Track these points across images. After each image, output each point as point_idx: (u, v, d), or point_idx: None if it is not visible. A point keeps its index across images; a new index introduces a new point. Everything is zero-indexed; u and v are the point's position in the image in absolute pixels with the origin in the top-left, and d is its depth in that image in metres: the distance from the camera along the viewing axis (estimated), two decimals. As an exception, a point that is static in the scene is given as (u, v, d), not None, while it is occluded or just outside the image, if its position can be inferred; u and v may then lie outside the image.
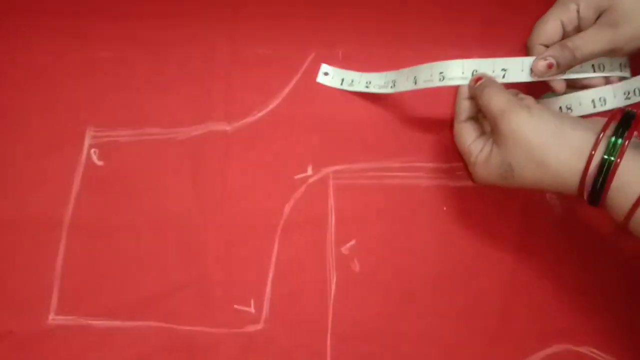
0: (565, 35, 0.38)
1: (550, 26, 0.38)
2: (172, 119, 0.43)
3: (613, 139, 0.31)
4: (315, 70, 0.44)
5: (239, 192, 0.41)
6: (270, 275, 0.40)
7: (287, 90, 0.44)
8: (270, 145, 0.43)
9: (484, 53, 0.45)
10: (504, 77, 0.38)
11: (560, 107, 0.41)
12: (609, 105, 0.40)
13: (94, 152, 0.42)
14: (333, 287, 0.40)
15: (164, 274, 0.40)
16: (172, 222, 0.41)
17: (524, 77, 0.38)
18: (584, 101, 0.40)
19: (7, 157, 0.42)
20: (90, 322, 0.39)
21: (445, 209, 0.41)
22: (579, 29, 0.38)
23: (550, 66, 0.37)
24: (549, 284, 0.40)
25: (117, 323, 0.39)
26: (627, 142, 0.30)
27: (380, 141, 0.43)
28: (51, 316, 0.38)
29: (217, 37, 0.45)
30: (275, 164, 0.42)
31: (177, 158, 0.42)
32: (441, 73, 0.38)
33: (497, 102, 0.34)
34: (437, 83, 0.39)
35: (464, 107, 0.37)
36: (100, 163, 0.42)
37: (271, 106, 0.44)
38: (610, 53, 0.37)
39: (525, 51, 0.41)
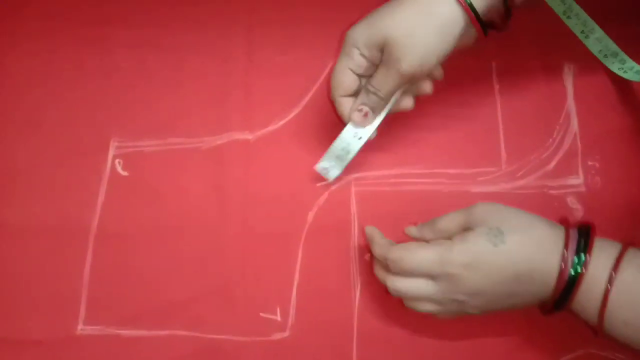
0: (360, 79, 0.38)
1: (343, 77, 0.38)
2: (195, 128, 0.43)
3: (576, 258, 0.32)
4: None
5: (262, 199, 0.42)
6: (296, 282, 0.40)
7: (308, 97, 0.44)
8: (292, 153, 0.43)
9: (502, 59, 0.46)
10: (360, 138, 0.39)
11: None
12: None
13: (119, 162, 0.42)
14: (358, 293, 0.40)
15: (189, 282, 0.40)
16: (196, 230, 0.41)
17: (356, 142, 0.39)
18: None
19: (33, 167, 0.42)
20: (117, 331, 0.39)
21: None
22: (373, 68, 0.37)
23: (366, 114, 0.38)
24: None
25: (143, 332, 0.39)
26: (589, 258, 0.32)
27: (401, 147, 0.43)
28: (80, 326, 0.39)
29: (235, 44, 0.45)
30: (297, 172, 0.42)
31: (200, 167, 0.42)
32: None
33: (456, 215, 0.35)
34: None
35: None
36: (125, 173, 0.42)
37: (292, 114, 0.44)
38: (410, 81, 0.37)
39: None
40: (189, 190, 0.42)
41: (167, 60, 0.45)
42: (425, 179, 0.42)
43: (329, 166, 0.40)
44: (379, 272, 0.36)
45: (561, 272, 0.31)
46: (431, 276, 0.33)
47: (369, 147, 0.43)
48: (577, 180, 0.43)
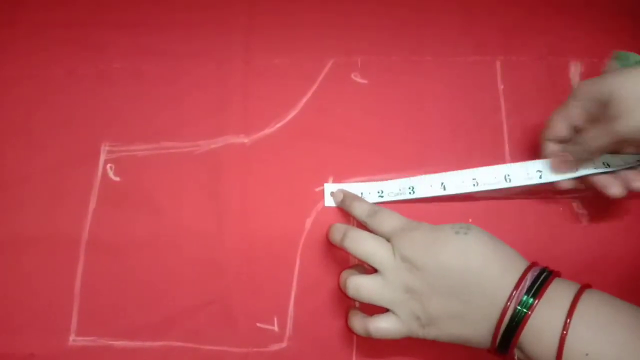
0: (576, 130, 0.38)
1: (555, 122, 0.38)
2: (189, 132, 0.42)
3: (525, 297, 0.31)
4: (333, 79, 0.43)
5: (259, 206, 0.40)
6: (293, 292, 0.39)
7: (305, 100, 0.43)
8: (290, 157, 0.42)
9: (506, 59, 0.44)
10: (540, 177, 0.39)
11: None
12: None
13: (110, 167, 0.41)
14: (357, 302, 0.39)
15: (184, 292, 0.39)
16: (191, 238, 0.40)
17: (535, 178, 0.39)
18: None
19: (22, 174, 0.41)
20: (111, 342, 0.38)
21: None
22: (592, 123, 0.37)
23: (565, 162, 0.38)
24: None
25: (138, 343, 0.38)
26: (537, 302, 0.31)
27: (402, 152, 0.42)
28: (72, 337, 0.38)
29: (232, 47, 0.44)
30: (295, 176, 0.41)
31: (195, 172, 0.41)
32: (474, 179, 0.39)
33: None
34: (471, 188, 0.39)
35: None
36: (117, 179, 0.41)
37: (289, 117, 0.43)
38: (618, 146, 0.36)
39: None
40: (183, 196, 0.40)
41: (163, 64, 0.44)
42: (426, 184, 0.41)
43: None
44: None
45: (505, 308, 0.31)
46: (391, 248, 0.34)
47: (365, 150, 0.42)
48: (582, 184, 0.41)
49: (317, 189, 0.41)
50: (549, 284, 0.31)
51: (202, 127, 0.42)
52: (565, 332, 0.30)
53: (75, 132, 0.42)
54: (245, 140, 0.42)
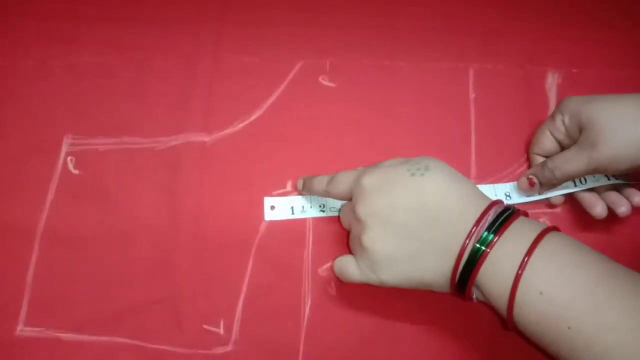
0: (561, 145, 0.38)
1: (542, 135, 0.38)
2: (152, 128, 0.42)
3: (485, 234, 0.30)
4: (301, 81, 0.43)
5: (215, 206, 0.40)
6: (242, 295, 0.38)
7: (270, 101, 0.42)
8: (250, 158, 0.41)
9: (481, 67, 0.43)
10: (509, 198, 0.39)
11: None
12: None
13: (71, 160, 0.41)
14: (307, 310, 0.38)
15: (134, 289, 0.38)
16: (145, 235, 0.39)
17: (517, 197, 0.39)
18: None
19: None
20: (58, 334, 0.38)
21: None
22: (570, 140, 0.37)
23: (531, 184, 0.37)
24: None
25: (85, 337, 0.38)
26: (497, 239, 0.30)
27: (366, 156, 0.41)
28: (20, 327, 0.38)
29: (202, 44, 0.44)
30: (253, 178, 0.41)
31: (154, 169, 0.41)
32: None
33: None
34: None
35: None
36: (76, 172, 0.41)
37: (253, 117, 0.42)
38: (593, 172, 0.35)
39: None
40: (140, 193, 0.40)
41: (131, 59, 0.44)
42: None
43: None
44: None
45: (464, 245, 0.30)
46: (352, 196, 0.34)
47: (328, 154, 0.41)
48: (552, 200, 0.39)
49: (275, 192, 0.40)
50: (511, 222, 0.30)
51: (164, 123, 0.42)
52: (520, 271, 0.28)
53: (40, 123, 0.42)
54: (206, 138, 0.41)
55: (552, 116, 0.37)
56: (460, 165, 0.41)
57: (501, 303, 0.30)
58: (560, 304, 0.28)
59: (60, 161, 0.41)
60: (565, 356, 0.28)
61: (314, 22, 0.45)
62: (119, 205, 0.40)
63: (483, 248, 0.29)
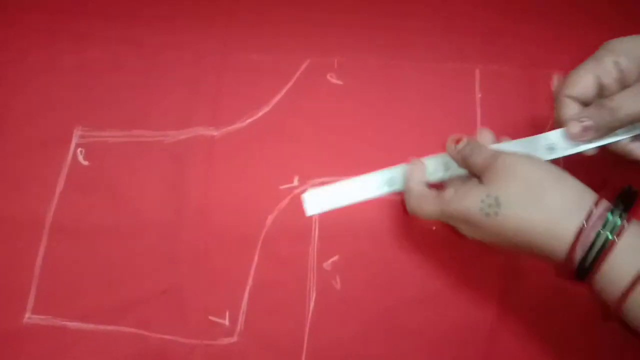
0: (604, 90, 0.33)
1: (581, 77, 0.32)
2: (161, 121, 0.42)
3: (611, 217, 0.28)
4: (309, 78, 0.43)
5: (221, 199, 0.40)
6: (248, 287, 0.39)
7: (278, 97, 0.43)
8: (257, 153, 0.42)
9: (486, 68, 0.43)
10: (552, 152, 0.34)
11: None
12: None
13: (81, 151, 0.42)
14: (312, 304, 0.38)
15: (140, 280, 0.39)
16: (152, 227, 0.40)
17: (544, 152, 0.34)
18: None
19: (-5, 154, 0.42)
20: (65, 323, 0.38)
21: (434, 228, 0.40)
22: (621, 85, 0.32)
23: (586, 129, 0.32)
24: (540, 309, 0.38)
25: (90, 326, 0.38)
26: (625, 224, 0.27)
27: (370, 154, 0.41)
28: (27, 315, 0.38)
29: (210, 41, 0.44)
30: (260, 172, 0.41)
31: (162, 162, 0.41)
32: None
33: (487, 151, 0.32)
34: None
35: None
36: (85, 163, 0.41)
37: (261, 113, 0.43)
38: None
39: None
40: (147, 185, 0.41)
41: (141, 54, 0.44)
42: (391, 189, 0.40)
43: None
44: None
45: (580, 232, 0.27)
46: None
47: (334, 151, 0.42)
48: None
49: (282, 187, 0.41)
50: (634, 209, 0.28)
51: (172, 117, 0.42)
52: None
53: (50, 115, 0.42)
54: (214, 133, 0.42)
55: (599, 58, 0.32)
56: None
57: (611, 295, 0.28)
58: None
59: (70, 153, 0.41)
60: None
61: (322, 21, 0.45)
62: (126, 197, 0.40)
63: (609, 236, 0.27)
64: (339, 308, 0.38)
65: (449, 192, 0.34)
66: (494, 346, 0.37)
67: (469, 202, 0.31)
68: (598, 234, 0.27)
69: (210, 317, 0.38)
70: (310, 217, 0.40)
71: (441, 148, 0.41)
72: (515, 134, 0.42)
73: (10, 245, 0.39)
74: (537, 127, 0.42)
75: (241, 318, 0.38)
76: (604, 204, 0.28)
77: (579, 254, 0.28)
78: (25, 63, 0.44)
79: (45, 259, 0.39)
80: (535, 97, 0.43)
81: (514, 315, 0.37)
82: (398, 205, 0.40)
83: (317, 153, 0.41)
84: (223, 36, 0.44)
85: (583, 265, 0.28)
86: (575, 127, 0.32)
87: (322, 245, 0.39)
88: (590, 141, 0.32)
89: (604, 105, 0.31)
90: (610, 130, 0.32)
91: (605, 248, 0.27)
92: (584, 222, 0.28)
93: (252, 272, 0.39)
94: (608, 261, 0.27)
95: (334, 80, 0.43)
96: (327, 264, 0.39)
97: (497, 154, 0.31)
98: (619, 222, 0.27)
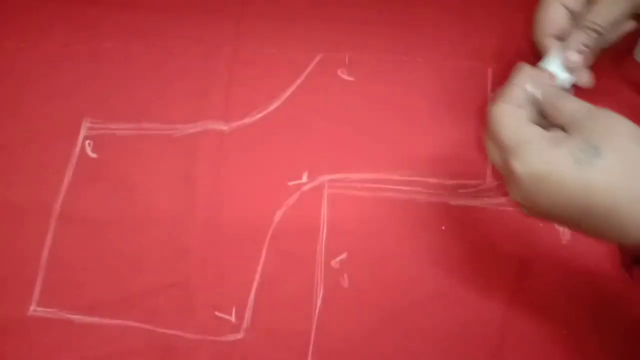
0: (574, 17, 0.33)
1: (553, 13, 0.33)
2: (170, 115, 0.42)
3: None
4: (320, 74, 0.43)
5: (230, 194, 0.40)
6: (255, 283, 0.38)
7: (289, 92, 0.43)
8: (267, 148, 0.41)
9: (499, 67, 0.43)
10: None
11: None
12: None
13: (89, 143, 0.41)
14: (319, 301, 0.38)
15: (147, 273, 0.39)
16: (160, 220, 0.40)
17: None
18: None
19: (4, 145, 0.41)
20: (70, 316, 0.38)
21: (443, 228, 0.39)
22: (587, 4, 0.33)
23: (580, 51, 0.32)
24: (551, 308, 0.37)
25: (96, 319, 0.38)
26: None
27: (381, 151, 0.41)
28: (32, 307, 0.38)
29: (222, 34, 0.44)
30: (270, 168, 0.41)
31: (171, 155, 0.41)
32: None
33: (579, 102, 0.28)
34: None
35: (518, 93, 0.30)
36: (94, 155, 0.41)
37: (271, 108, 0.42)
38: (634, 12, 0.32)
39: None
40: (156, 178, 0.40)
41: (152, 46, 0.44)
42: (402, 187, 0.40)
43: None
44: None
45: None
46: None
47: (344, 147, 0.41)
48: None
49: (291, 183, 0.40)
50: None
51: (183, 110, 0.42)
52: None
53: (60, 106, 0.42)
54: (224, 127, 0.42)
55: None
56: (475, 163, 0.41)
57: None
58: None
59: (79, 144, 0.41)
60: None
61: (334, 16, 0.45)
62: (134, 190, 0.40)
63: None
64: (347, 306, 0.38)
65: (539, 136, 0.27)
66: (503, 345, 0.36)
67: (561, 153, 0.26)
68: None
69: (217, 313, 0.38)
70: (319, 214, 0.39)
71: (454, 144, 0.41)
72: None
73: (17, 236, 0.39)
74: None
75: (247, 314, 0.38)
76: None
77: None
78: (36, 53, 0.44)
79: (51, 251, 0.39)
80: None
81: (524, 314, 0.37)
82: (407, 204, 0.40)
83: (327, 149, 0.41)
84: (235, 30, 0.44)
85: None
86: (572, 55, 0.32)
87: (330, 243, 0.39)
88: (588, 64, 0.33)
89: (585, 27, 0.32)
90: (600, 47, 0.33)
91: None
92: None
93: (259, 268, 0.39)
94: None
95: (345, 76, 0.43)
96: (335, 262, 0.39)
97: (594, 110, 0.27)
98: None
